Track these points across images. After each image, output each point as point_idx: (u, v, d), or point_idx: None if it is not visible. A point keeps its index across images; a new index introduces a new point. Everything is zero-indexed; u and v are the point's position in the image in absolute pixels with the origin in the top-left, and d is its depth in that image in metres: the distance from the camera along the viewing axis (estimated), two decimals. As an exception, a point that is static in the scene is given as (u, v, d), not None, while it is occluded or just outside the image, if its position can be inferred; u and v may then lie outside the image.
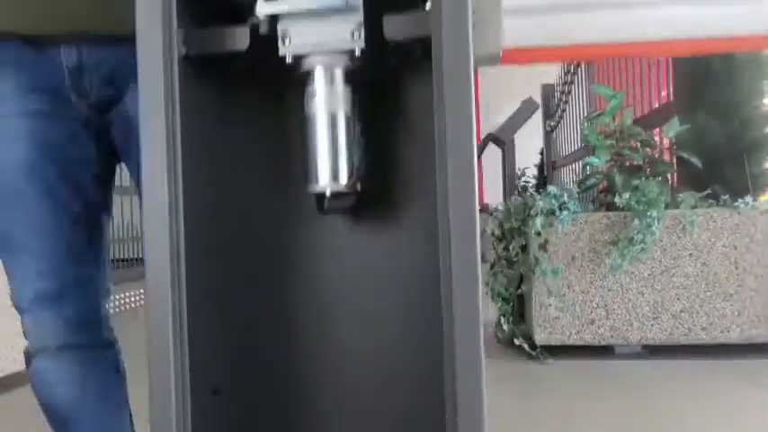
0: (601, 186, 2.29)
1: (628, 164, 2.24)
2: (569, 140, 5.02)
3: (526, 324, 2.13)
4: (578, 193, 2.22)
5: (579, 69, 4.61)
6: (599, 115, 2.39)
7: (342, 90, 0.54)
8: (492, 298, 2.20)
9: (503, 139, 5.75)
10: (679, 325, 1.98)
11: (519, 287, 2.14)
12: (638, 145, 2.31)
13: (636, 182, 2.18)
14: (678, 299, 1.98)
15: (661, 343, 1.99)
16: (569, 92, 4.91)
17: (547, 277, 1.97)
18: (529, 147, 5.83)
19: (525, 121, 5.61)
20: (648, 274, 1.98)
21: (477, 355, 0.46)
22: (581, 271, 2.01)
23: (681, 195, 2.06)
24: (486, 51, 0.70)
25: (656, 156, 2.23)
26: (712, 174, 2.17)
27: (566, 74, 4.96)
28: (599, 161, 2.16)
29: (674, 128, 2.20)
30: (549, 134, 5.76)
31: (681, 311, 1.98)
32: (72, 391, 0.73)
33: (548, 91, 5.73)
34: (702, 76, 2.22)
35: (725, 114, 2.18)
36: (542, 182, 5.93)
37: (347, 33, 0.53)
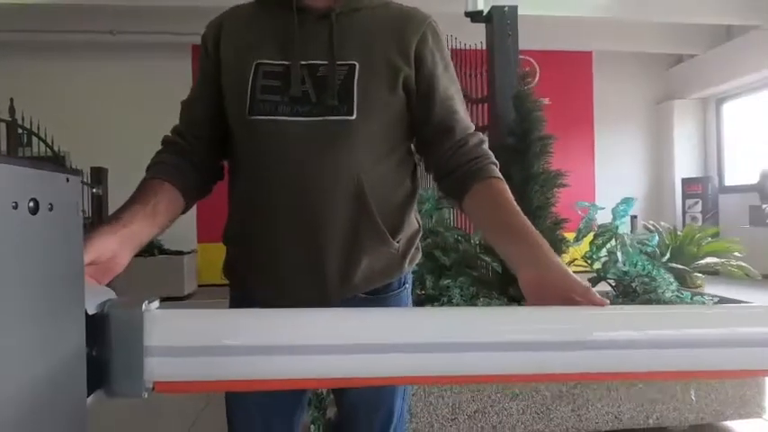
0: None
1: (439, 263, 2.40)
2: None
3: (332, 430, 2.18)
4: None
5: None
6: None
7: None
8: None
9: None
10: (473, 424, 2.15)
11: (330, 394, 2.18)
12: (455, 241, 2.48)
13: (445, 281, 2.34)
14: (473, 401, 2.15)
15: (459, 440, 2.15)
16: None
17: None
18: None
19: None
20: (448, 378, 2.13)
21: None
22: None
23: (480, 300, 2.25)
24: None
25: (464, 256, 2.42)
26: (508, 275, 2.39)
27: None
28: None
29: (478, 233, 2.40)
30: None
31: (475, 412, 2.15)
32: None
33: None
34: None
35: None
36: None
37: None
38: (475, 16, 2.94)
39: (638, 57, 8.15)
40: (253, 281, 0.94)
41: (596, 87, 8.31)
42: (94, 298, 0.61)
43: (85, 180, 5.84)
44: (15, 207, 0.45)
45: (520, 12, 2.95)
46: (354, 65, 0.87)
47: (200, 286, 6.68)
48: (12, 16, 6.01)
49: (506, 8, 2.69)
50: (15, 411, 0.46)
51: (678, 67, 8.33)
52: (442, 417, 2.14)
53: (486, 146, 0.92)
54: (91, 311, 0.60)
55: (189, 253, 6.69)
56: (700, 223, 7.13)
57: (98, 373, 0.61)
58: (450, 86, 0.93)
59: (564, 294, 0.70)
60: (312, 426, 2.18)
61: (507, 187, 0.87)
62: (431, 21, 0.94)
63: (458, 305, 2.24)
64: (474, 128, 0.94)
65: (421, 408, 2.12)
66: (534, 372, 0.69)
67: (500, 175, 0.89)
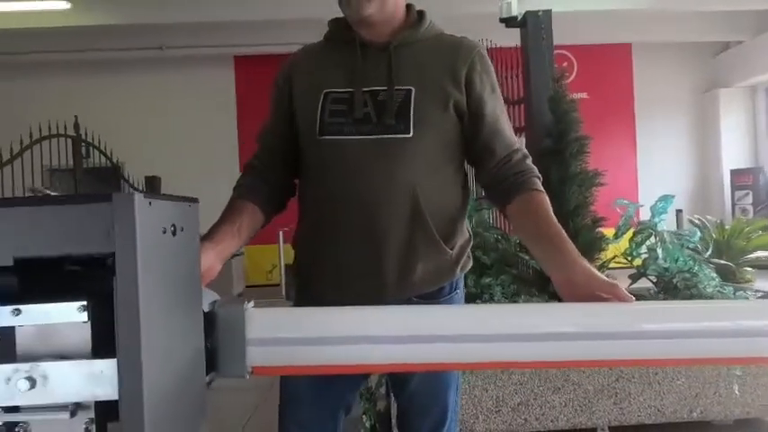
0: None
1: (480, 262, 2.49)
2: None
3: (382, 421, 2.31)
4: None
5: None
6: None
7: None
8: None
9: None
10: (517, 416, 2.24)
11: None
12: (495, 240, 2.57)
13: (486, 280, 2.44)
14: (516, 393, 2.24)
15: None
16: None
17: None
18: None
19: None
20: (491, 372, 2.23)
21: None
22: (434, 371, 2.22)
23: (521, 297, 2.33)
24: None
25: (503, 255, 2.51)
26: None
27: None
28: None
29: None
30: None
31: (518, 404, 2.24)
32: None
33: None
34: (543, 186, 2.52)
35: (561, 220, 2.49)
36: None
37: (80, 428, 0.64)
38: (509, 22, 3.02)
39: (680, 46, 7.94)
40: (317, 281, 1.07)
41: (636, 80, 8.15)
42: (206, 299, 0.76)
43: (141, 188, 6.21)
44: (164, 232, 0.60)
45: (556, 9, 3.00)
46: (411, 89, 0.99)
47: (247, 287, 6.97)
48: (68, 37, 6.45)
49: (540, 13, 2.76)
50: (165, 387, 0.61)
51: (724, 54, 8.07)
52: (486, 409, 2.24)
53: (529, 161, 1.04)
54: (205, 310, 0.75)
55: (237, 255, 6.99)
56: (750, 216, 6.90)
57: (210, 359, 0.76)
58: (496, 107, 1.05)
59: (591, 292, 0.82)
60: (364, 416, 2.32)
61: (546, 198, 1.00)
62: (479, 49, 1.06)
63: (499, 303, 2.33)
64: (517, 144, 1.06)
65: (466, 400, 2.23)
66: (592, 358, 0.81)
67: (541, 188, 1.01)
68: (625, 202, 2.64)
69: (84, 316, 0.63)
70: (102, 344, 0.64)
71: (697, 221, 5.28)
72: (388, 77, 1.00)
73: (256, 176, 1.06)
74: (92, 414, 0.63)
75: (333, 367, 0.82)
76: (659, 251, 2.40)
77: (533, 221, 0.96)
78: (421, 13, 1.08)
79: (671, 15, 7.12)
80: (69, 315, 0.62)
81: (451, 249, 1.04)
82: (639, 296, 2.56)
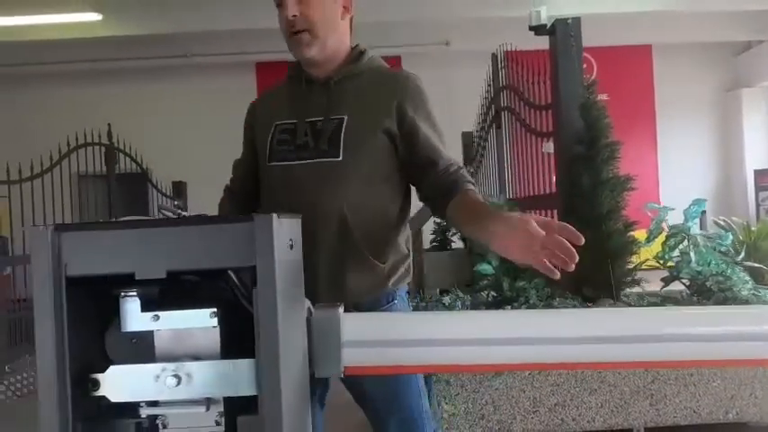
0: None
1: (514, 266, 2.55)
2: (485, 187, 5.38)
3: None
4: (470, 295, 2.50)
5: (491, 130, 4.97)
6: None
7: None
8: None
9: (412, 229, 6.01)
10: (554, 417, 2.30)
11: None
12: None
13: (521, 283, 2.50)
14: (553, 394, 2.29)
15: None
16: (486, 140, 5.27)
17: (441, 384, 2.23)
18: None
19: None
20: (528, 374, 2.29)
21: None
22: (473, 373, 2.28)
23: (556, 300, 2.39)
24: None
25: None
26: (582, 276, 2.52)
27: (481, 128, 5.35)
28: (489, 268, 2.45)
29: (551, 236, 2.53)
30: (468, 179, 6.13)
31: (555, 405, 2.30)
32: None
33: (467, 138, 6.12)
34: (575, 191, 2.57)
35: (593, 226, 2.54)
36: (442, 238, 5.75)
37: (211, 421, 0.72)
38: (539, 30, 3.07)
39: (701, 46, 7.89)
40: None
41: (657, 81, 8.12)
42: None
43: (168, 193, 6.36)
44: (290, 246, 0.68)
45: (575, 11, 3.02)
46: (344, 118, 1.13)
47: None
48: (99, 47, 6.63)
49: (570, 20, 2.81)
50: (292, 384, 0.69)
51: (745, 54, 8.01)
52: (523, 409, 2.29)
53: (463, 171, 1.16)
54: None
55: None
56: (775, 217, 6.83)
57: (310, 359, 0.84)
58: (429, 131, 1.15)
59: (519, 239, 0.88)
60: None
61: (478, 194, 1.12)
62: (411, 78, 1.18)
63: (535, 306, 2.39)
64: (454, 159, 1.17)
65: (504, 401, 2.29)
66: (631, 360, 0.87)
67: (474, 189, 1.12)
68: (657, 206, 2.67)
69: (215, 321, 0.71)
70: (228, 346, 0.73)
71: (722, 223, 5.26)
72: (327, 108, 1.15)
73: (231, 199, 1.28)
74: (221, 408, 0.72)
75: (420, 368, 0.90)
76: (692, 254, 2.43)
77: (464, 208, 1.07)
78: (362, 51, 1.21)
79: (691, 15, 7.09)
80: (202, 320, 0.71)
81: (383, 263, 1.15)
82: (672, 299, 2.59)
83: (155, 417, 0.71)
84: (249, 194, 1.26)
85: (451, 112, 6.89)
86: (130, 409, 0.70)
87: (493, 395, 2.29)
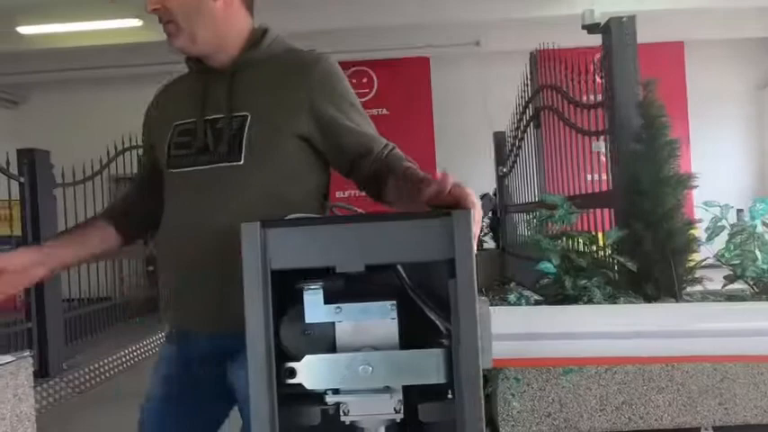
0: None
1: (574, 265, 2.55)
2: (520, 186, 5.38)
3: (491, 419, 2.40)
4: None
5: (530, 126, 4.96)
6: (548, 217, 2.71)
7: None
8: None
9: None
10: (621, 415, 2.30)
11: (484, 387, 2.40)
12: (584, 244, 2.63)
13: (582, 282, 2.50)
14: (620, 393, 2.29)
15: (606, 430, 2.30)
16: (521, 139, 5.26)
17: (510, 381, 2.25)
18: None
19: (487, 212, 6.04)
20: (594, 372, 2.29)
21: None
22: (538, 371, 2.29)
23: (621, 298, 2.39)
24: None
25: (597, 256, 2.56)
26: (643, 274, 2.51)
27: (516, 128, 5.34)
28: (552, 267, 2.46)
29: (614, 235, 2.54)
30: (501, 179, 6.14)
31: (622, 403, 2.30)
32: None
33: (499, 138, 6.12)
34: (635, 189, 2.56)
35: (654, 224, 2.53)
36: (495, 225, 6.27)
37: (390, 408, 0.75)
38: (592, 28, 3.07)
39: (734, 43, 7.77)
40: (165, 301, 1.11)
41: (689, 79, 8.01)
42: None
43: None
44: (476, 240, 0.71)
45: (607, 9, 2.98)
46: (246, 116, 0.98)
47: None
48: (139, 52, 6.76)
49: (625, 19, 2.80)
50: (477, 373, 0.71)
51: (781, 50, 7.87)
52: (590, 408, 2.30)
53: (396, 150, 1.00)
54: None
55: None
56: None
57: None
58: (354, 117, 1.01)
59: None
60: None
61: (414, 165, 0.96)
62: (320, 63, 1.00)
63: (599, 303, 2.39)
64: (385, 140, 1.02)
65: (571, 399, 2.29)
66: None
67: (414, 165, 0.96)
68: (717, 204, 2.65)
69: (394, 313, 0.74)
70: (404, 336, 0.76)
71: None
72: (228, 105, 0.99)
73: (126, 199, 1.16)
74: (400, 396, 0.75)
75: (560, 360, 0.92)
76: (758, 253, 2.41)
77: (411, 183, 0.90)
78: (264, 32, 1.05)
79: (724, 12, 7.00)
80: (382, 313, 0.74)
81: None
82: (737, 298, 2.56)
83: (337, 404, 0.74)
84: (150, 199, 1.10)
85: (484, 112, 6.90)
86: (316, 396, 0.74)
87: (560, 393, 2.29)
